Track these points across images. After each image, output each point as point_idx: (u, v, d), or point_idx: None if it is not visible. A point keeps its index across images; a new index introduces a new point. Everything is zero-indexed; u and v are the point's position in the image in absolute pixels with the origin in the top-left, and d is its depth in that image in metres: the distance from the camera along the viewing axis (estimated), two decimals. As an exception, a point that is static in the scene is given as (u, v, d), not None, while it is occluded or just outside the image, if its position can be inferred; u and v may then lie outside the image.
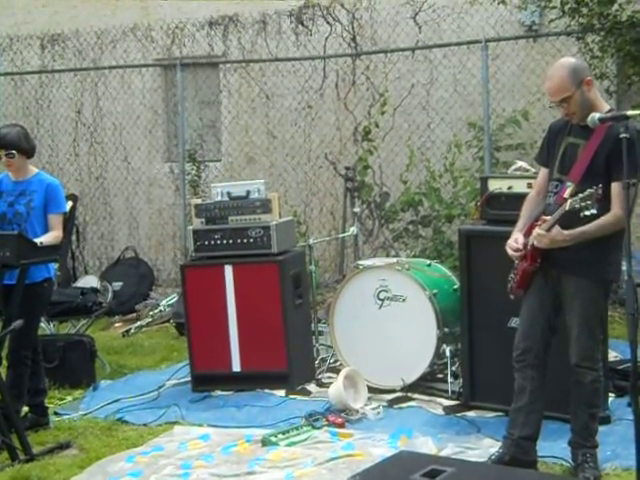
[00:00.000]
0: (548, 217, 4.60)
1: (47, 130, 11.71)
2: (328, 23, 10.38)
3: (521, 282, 4.81)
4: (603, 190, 4.36)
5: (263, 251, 6.65)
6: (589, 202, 4.34)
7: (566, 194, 4.56)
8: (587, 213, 4.37)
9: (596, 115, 4.41)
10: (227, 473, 5.03)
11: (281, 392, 6.51)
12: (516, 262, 4.82)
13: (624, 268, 4.44)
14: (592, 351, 4.71)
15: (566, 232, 4.53)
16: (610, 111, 4.63)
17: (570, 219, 4.50)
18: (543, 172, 4.92)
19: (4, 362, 5.73)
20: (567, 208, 4.43)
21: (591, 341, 4.70)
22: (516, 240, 4.78)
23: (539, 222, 4.68)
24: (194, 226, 6.83)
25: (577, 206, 4.38)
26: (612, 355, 6.38)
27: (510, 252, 4.79)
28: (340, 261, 9.08)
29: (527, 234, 4.76)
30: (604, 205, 4.46)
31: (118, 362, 7.67)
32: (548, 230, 4.57)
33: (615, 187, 4.50)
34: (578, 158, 4.64)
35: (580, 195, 4.39)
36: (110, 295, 9.80)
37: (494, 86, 9.38)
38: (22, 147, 5.86)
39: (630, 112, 4.31)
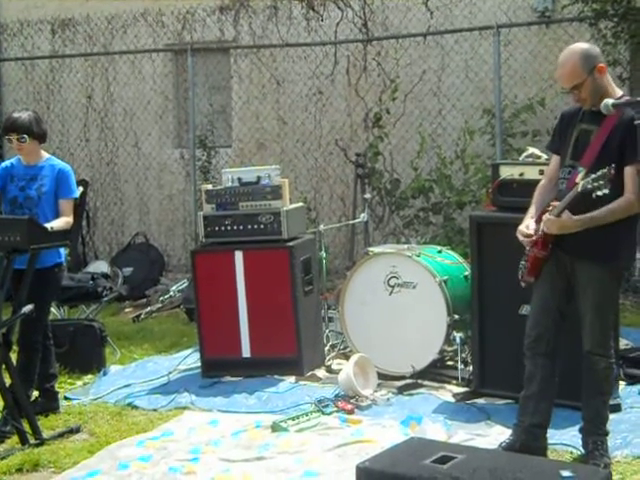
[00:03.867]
0: (557, 203, 4.57)
1: (57, 115, 11.71)
2: (339, 8, 10.34)
3: (532, 269, 4.76)
4: (615, 174, 4.31)
5: (273, 237, 6.64)
6: (602, 182, 4.27)
7: (578, 179, 4.50)
8: (599, 193, 4.29)
9: (609, 101, 4.37)
10: (236, 458, 5.03)
11: (291, 378, 6.50)
12: (527, 249, 4.77)
13: (638, 256, 4.41)
14: (605, 338, 4.68)
15: (575, 217, 4.48)
16: (622, 97, 4.59)
17: (579, 205, 4.45)
18: (555, 159, 4.88)
19: (15, 347, 5.71)
20: (579, 190, 4.38)
21: (604, 328, 4.67)
22: (527, 226, 4.73)
23: (550, 208, 4.63)
24: (204, 212, 6.82)
25: (589, 187, 4.32)
26: (623, 343, 6.35)
27: (521, 238, 4.74)
28: (350, 247, 9.04)
29: (539, 221, 4.70)
30: (616, 189, 4.39)
31: (128, 347, 7.68)
32: (558, 215, 4.53)
33: (628, 171, 4.45)
34: (590, 144, 4.58)
35: (592, 175, 4.32)
36: (120, 280, 9.83)
37: (506, 72, 9.34)
38: (34, 132, 5.84)
39: (644, 98, 4.29)
